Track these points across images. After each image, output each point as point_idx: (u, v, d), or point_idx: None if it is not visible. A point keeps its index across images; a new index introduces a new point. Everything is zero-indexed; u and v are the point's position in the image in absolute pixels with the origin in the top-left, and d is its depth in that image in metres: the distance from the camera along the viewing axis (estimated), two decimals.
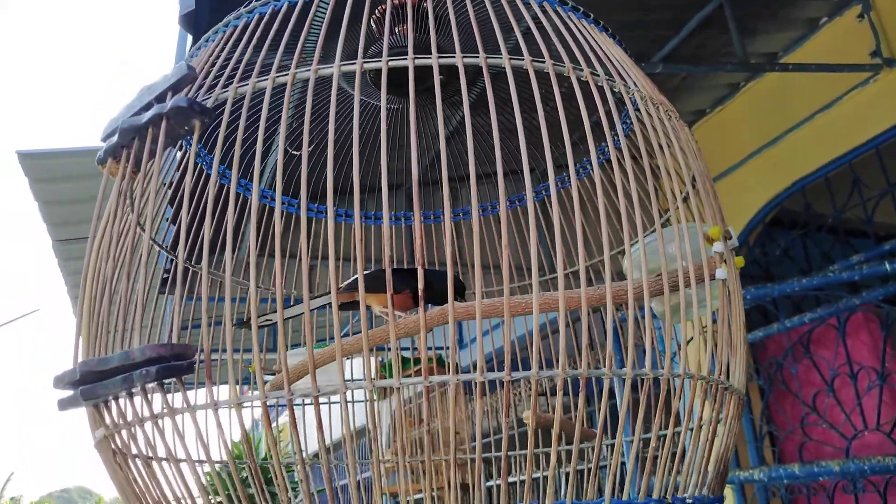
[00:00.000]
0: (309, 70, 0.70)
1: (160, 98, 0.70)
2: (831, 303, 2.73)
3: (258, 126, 0.74)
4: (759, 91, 3.18)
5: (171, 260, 1.37)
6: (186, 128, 0.68)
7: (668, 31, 2.74)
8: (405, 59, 0.74)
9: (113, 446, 0.70)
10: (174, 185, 1.26)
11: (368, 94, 1.34)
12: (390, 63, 0.74)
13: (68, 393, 0.66)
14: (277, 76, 0.70)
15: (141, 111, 0.71)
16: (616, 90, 0.85)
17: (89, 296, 0.67)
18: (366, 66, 0.73)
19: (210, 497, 0.74)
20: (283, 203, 1.46)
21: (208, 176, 1.26)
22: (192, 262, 1.32)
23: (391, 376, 2.86)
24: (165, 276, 1.46)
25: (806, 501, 2.96)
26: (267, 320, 1.31)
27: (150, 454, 0.69)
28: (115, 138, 0.70)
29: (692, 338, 1.03)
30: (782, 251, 3.18)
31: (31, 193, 2.55)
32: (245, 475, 1.85)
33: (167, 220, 1.34)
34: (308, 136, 0.71)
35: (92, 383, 0.62)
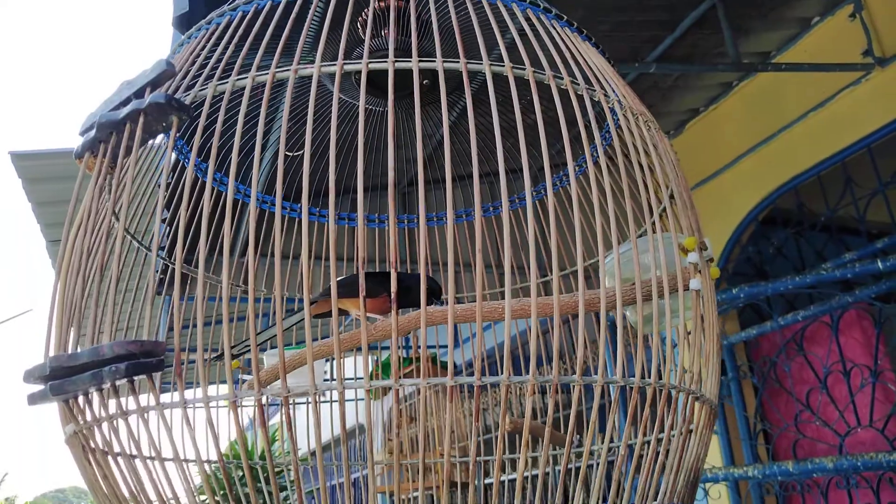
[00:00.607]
0: (289, 70, 0.70)
1: (138, 94, 0.71)
2: (824, 300, 2.74)
3: (243, 124, 0.74)
4: (752, 90, 3.19)
5: (163, 261, 1.37)
6: (164, 124, 0.68)
7: (661, 31, 2.75)
8: (385, 61, 0.74)
9: (82, 442, 0.70)
10: (169, 187, 1.27)
11: (355, 98, 1.34)
12: (373, 66, 0.74)
13: (40, 387, 0.66)
14: (257, 75, 0.70)
15: (119, 106, 0.71)
16: (596, 99, 0.86)
17: (62, 290, 0.67)
18: (346, 67, 0.74)
19: (179, 496, 0.74)
20: (266, 203, 1.46)
21: (198, 179, 1.26)
22: (172, 261, 1.32)
23: (386, 376, 2.87)
24: (162, 276, 1.46)
25: (800, 498, 2.96)
26: (245, 347, 1.30)
27: (119, 451, 0.69)
28: (92, 132, 0.70)
29: (675, 344, 1.03)
30: (776, 249, 3.19)
31: (24, 194, 2.55)
32: (232, 475, 1.85)
33: (163, 220, 1.34)
34: (287, 136, 0.71)
35: (61, 378, 0.62)
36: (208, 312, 1.67)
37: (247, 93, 0.69)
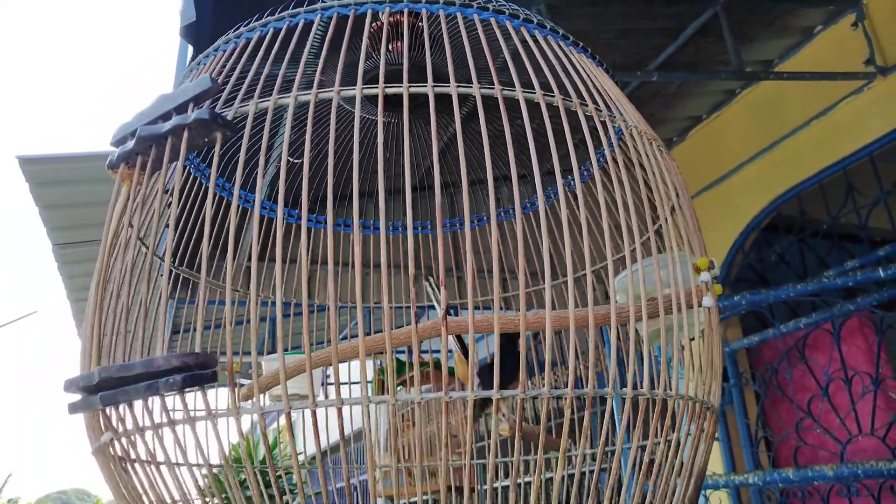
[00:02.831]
0: (332, 91, 0.71)
1: (180, 108, 0.71)
2: (826, 308, 2.76)
3: (270, 142, 0.76)
4: (755, 98, 3.22)
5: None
6: (207, 139, 0.69)
7: (664, 38, 2.77)
8: (421, 87, 0.76)
9: (120, 452, 0.71)
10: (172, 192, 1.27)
11: (370, 112, 1.36)
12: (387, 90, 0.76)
13: (76, 397, 0.66)
14: (300, 94, 0.71)
15: (158, 120, 0.72)
16: (617, 125, 0.89)
17: (99, 302, 0.68)
18: (367, 91, 0.75)
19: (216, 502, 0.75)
20: (284, 214, 1.48)
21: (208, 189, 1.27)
22: (188, 269, 1.33)
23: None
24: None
25: None
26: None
27: (161, 460, 0.70)
28: (130, 144, 0.71)
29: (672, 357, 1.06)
30: (778, 256, 3.20)
31: (31, 198, 2.56)
32: (244, 478, 1.86)
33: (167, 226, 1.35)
34: (311, 150, 0.72)
35: (112, 389, 0.62)
36: (219, 316, 1.69)
37: (290, 111, 0.70)
